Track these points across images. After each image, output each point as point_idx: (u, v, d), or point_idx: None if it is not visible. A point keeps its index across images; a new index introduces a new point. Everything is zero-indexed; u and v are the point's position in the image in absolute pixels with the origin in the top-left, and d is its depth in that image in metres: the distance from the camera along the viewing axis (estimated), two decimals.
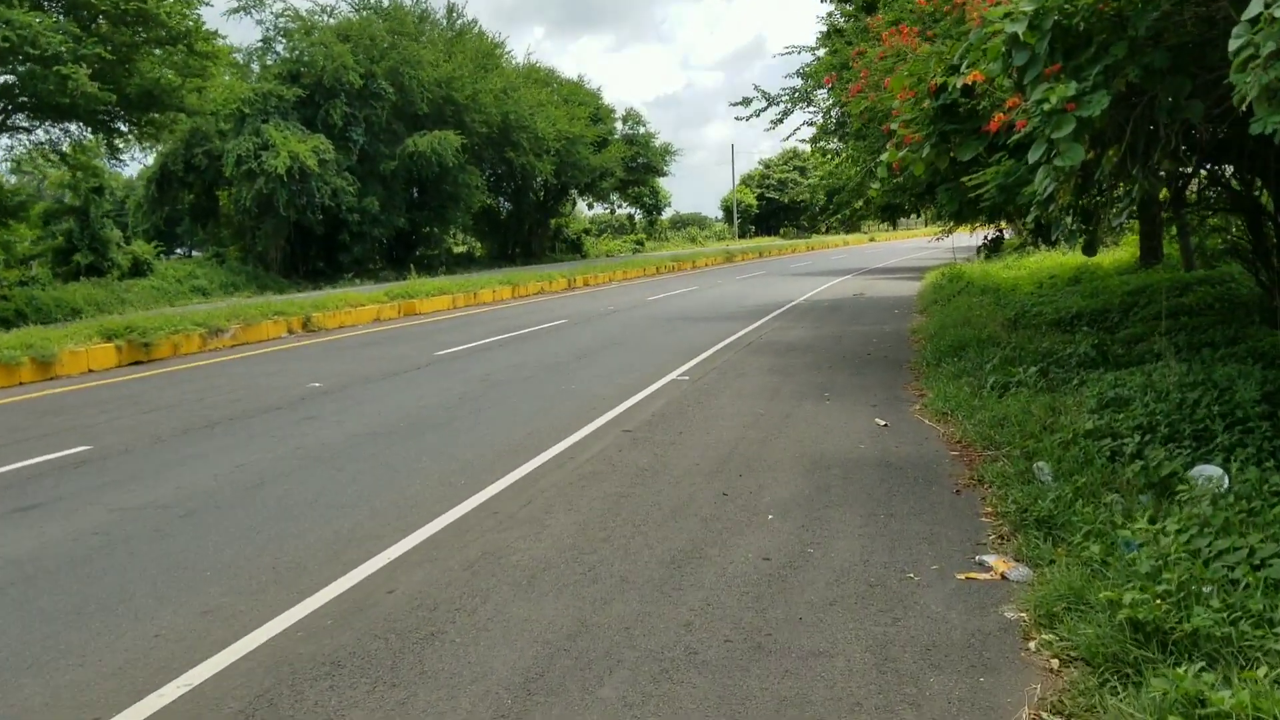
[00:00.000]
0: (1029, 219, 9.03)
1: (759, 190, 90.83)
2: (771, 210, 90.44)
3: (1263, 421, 7.06)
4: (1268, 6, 4.15)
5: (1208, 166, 12.04)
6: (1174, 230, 17.52)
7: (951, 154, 7.90)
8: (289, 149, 34.32)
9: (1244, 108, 5.02)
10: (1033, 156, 6.01)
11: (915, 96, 7.64)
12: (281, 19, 39.73)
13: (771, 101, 19.71)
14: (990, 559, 5.32)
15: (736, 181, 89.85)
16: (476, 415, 10.68)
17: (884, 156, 8.25)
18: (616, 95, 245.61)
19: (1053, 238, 8.19)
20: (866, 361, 13.52)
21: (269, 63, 39.37)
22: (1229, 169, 11.70)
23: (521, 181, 53.91)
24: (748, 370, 13.20)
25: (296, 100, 37.39)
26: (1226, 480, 6.19)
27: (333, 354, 17.37)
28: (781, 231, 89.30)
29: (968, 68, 6.74)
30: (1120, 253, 24.22)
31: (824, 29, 20.44)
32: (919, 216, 41.43)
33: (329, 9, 41.65)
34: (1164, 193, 7.14)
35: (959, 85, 6.95)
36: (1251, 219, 11.67)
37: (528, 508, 6.98)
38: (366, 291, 27.32)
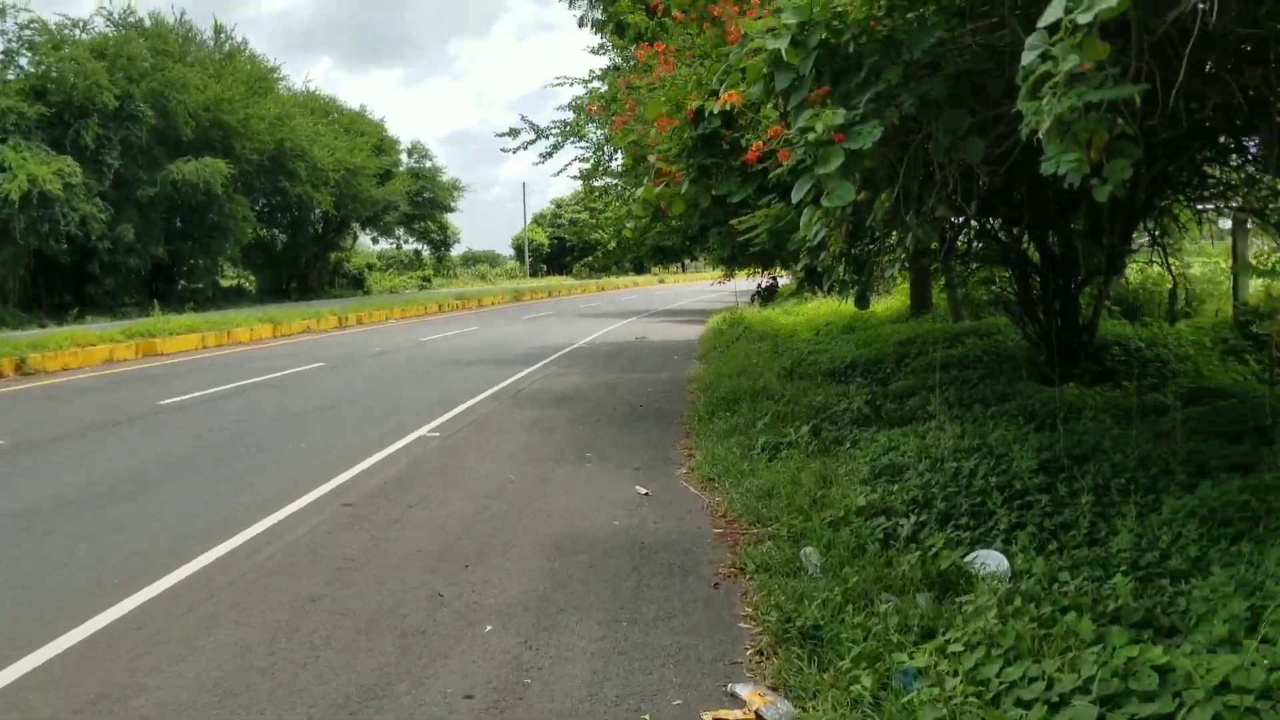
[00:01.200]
0: (798, 267, 8.28)
1: (551, 229, 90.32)
2: (564, 249, 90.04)
3: (1041, 495, 6.43)
4: (1069, 12, 3.33)
5: (979, 219, 11.86)
6: (943, 280, 17.67)
7: (713, 191, 7.01)
8: (27, 171, 30.55)
9: (1033, 141, 4.26)
10: (797, 195, 5.13)
11: (675, 126, 6.71)
12: (27, 31, 35.68)
13: (540, 134, 18.67)
14: (744, 690, 4.26)
15: (529, 220, 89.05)
16: (176, 483, 8.92)
17: (639, 192, 7.29)
18: (410, 130, 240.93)
19: (825, 287, 7.35)
20: (638, 415, 12.55)
21: (10, 77, 35.16)
22: (997, 220, 11.52)
23: (298, 213, 50.90)
24: (508, 425, 11.95)
25: (41, 119, 33.53)
26: (1010, 570, 5.45)
27: (36, 403, 14.88)
28: (574, 271, 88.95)
29: (726, 90, 5.84)
30: (893, 300, 24.66)
31: (605, 63, 19.69)
32: (695, 260, 41.54)
33: (81, 24, 37.83)
34: (933, 242, 6.51)
35: (717, 111, 6.05)
36: (1019, 271, 11.52)
37: (187, 618, 5.44)
38: (100, 329, 24.30)
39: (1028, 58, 3.73)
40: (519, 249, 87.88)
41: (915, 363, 13.69)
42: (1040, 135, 4.26)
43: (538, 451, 10.17)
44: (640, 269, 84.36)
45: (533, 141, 18.96)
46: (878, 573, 5.28)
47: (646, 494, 8.16)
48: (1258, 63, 4.87)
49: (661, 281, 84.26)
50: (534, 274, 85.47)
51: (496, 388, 15.40)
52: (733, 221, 8.20)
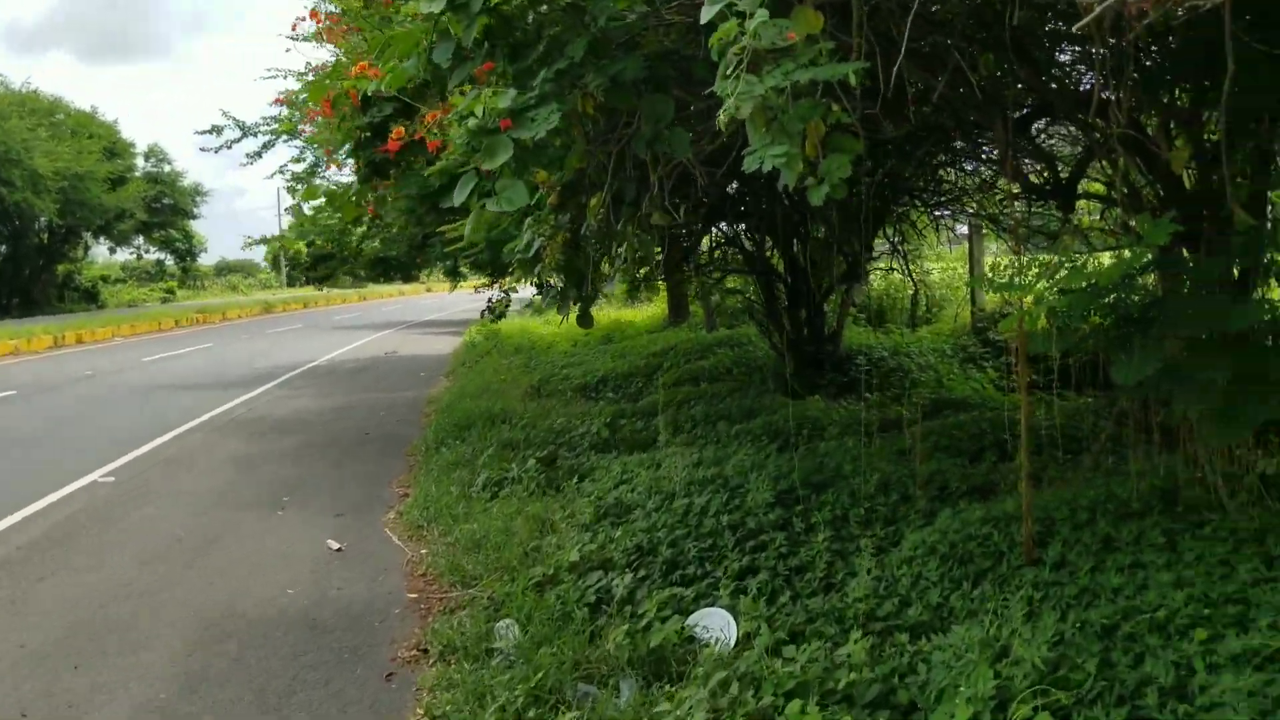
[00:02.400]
0: (509, 280, 7.34)
1: (310, 238, 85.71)
2: (326, 257, 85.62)
3: (777, 533, 5.74)
4: None
5: (725, 225, 11.32)
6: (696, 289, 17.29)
7: (394, 193, 5.94)
8: None
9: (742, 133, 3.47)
10: (459, 197, 4.14)
11: (345, 114, 5.57)
12: None
13: (247, 132, 16.69)
14: None
15: (284, 227, 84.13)
16: None
17: (299, 196, 6.08)
18: (156, 133, 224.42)
19: (544, 304, 6.41)
20: (362, 444, 11.22)
21: None
22: (741, 227, 11.04)
23: (19, 223, 45.62)
24: (205, 462, 10.34)
25: None
26: (735, 634, 4.66)
27: None
28: (335, 280, 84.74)
29: (384, 67, 4.78)
30: (655, 308, 24.31)
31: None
32: (419, 272, 39.92)
33: None
34: (651, 252, 5.72)
35: (370, 94, 4.99)
36: (763, 280, 11.07)
37: None
38: None
39: (708, 13, 2.89)
40: (274, 258, 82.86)
41: (667, 376, 13.08)
42: (746, 123, 3.48)
43: (228, 496, 8.69)
44: (408, 278, 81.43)
45: (238, 140, 16.94)
46: (578, 653, 4.36)
47: (340, 549, 6.94)
48: (990, 47, 4.27)
49: (429, 290, 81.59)
50: (292, 284, 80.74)
51: (207, 416, 13.58)
52: (440, 229, 7.13)
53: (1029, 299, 3.87)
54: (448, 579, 5.96)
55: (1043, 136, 5.37)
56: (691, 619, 4.80)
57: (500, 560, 5.84)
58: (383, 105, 5.14)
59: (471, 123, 3.86)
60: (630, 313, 24.42)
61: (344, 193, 5.82)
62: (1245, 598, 4.08)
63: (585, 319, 6.64)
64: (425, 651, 4.93)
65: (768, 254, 10.84)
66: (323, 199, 6.16)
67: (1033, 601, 4.52)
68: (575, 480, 7.58)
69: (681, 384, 12.32)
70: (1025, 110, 4.90)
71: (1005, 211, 6.16)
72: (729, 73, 3.37)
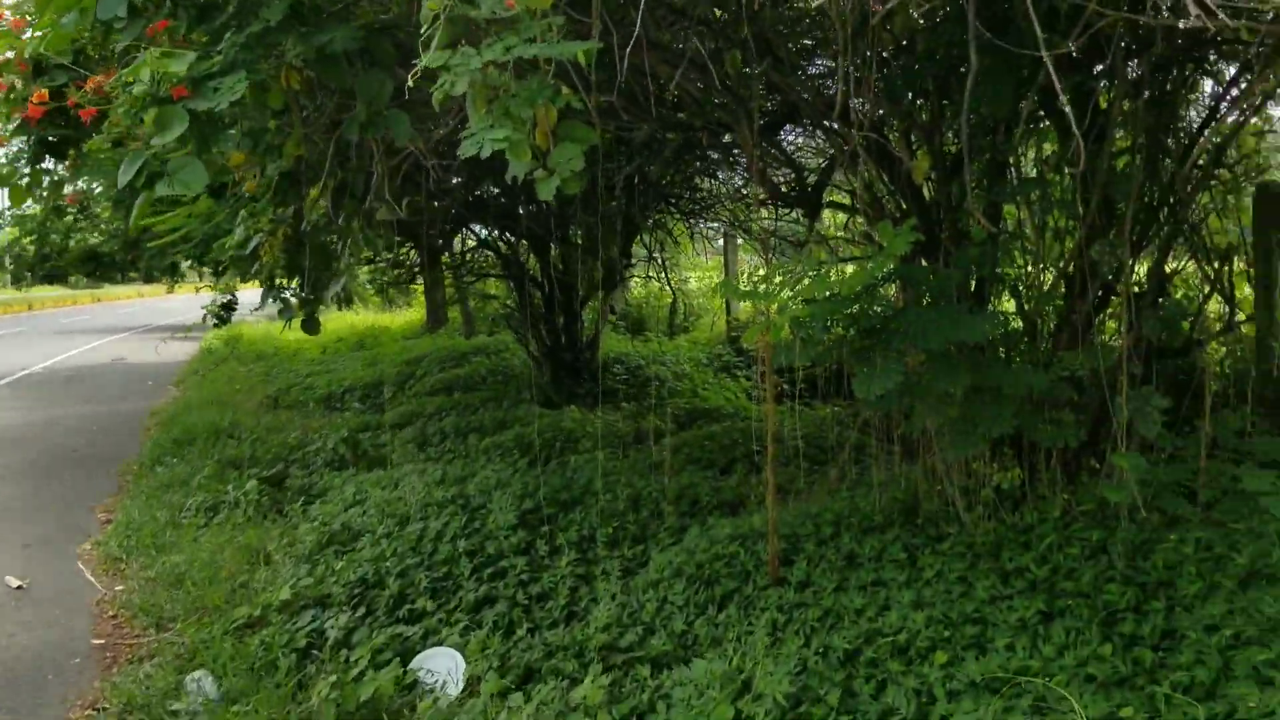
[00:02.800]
0: (222, 281, 6.55)
1: (39, 234, 77.83)
2: (47, 256, 77.84)
3: (518, 558, 5.31)
4: None
5: (481, 227, 10.82)
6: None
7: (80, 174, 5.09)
8: None
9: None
10: (124, 177, 3.45)
11: (14, 84, 4.67)
12: None
13: None
14: None
15: (8, 219, 75.88)
16: None
17: None
18: None
19: (260, 307, 5.70)
20: (67, 464, 9.88)
21: None
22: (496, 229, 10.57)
23: None
24: None
25: None
26: (461, 676, 4.19)
27: None
28: (70, 280, 77.36)
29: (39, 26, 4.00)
30: (415, 313, 23.38)
31: None
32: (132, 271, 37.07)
33: None
34: (371, 252, 5.15)
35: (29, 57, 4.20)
36: (519, 285, 10.65)
37: None
38: None
39: None
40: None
41: (419, 385, 12.42)
42: (466, 104, 3.05)
43: None
44: (150, 278, 75.38)
45: None
46: (278, 710, 3.75)
47: (20, 586, 5.93)
48: (737, 44, 4.03)
49: (170, 292, 75.80)
50: (17, 282, 72.88)
51: None
52: (145, 221, 6.23)
53: (773, 308, 3.64)
54: (141, 621, 5.15)
55: (790, 143, 5.29)
56: (415, 662, 4.29)
57: (203, 599, 5.09)
58: (55, 73, 4.32)
59: (138, 89, 3.21)
60: (387, 318, 23.39)
61: (10, 173, 4.90)
62: (983, 617, 4.02)
63: (310, 324, 5.97)
64: (101, 711, 4.15)
65: (523, 258, 10.42)
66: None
67: (777, 626, 4.33)
68: (302, 503, 6.86)
69: (435, 393, 11.71)
70: (772, 112, 4.73)
71: (754, 218, 6.10)
72: (442, 45, 2.94)
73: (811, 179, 5.16)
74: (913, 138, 4.69)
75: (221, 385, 13.84)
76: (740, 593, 4.71)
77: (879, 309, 3.87)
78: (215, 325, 8.14)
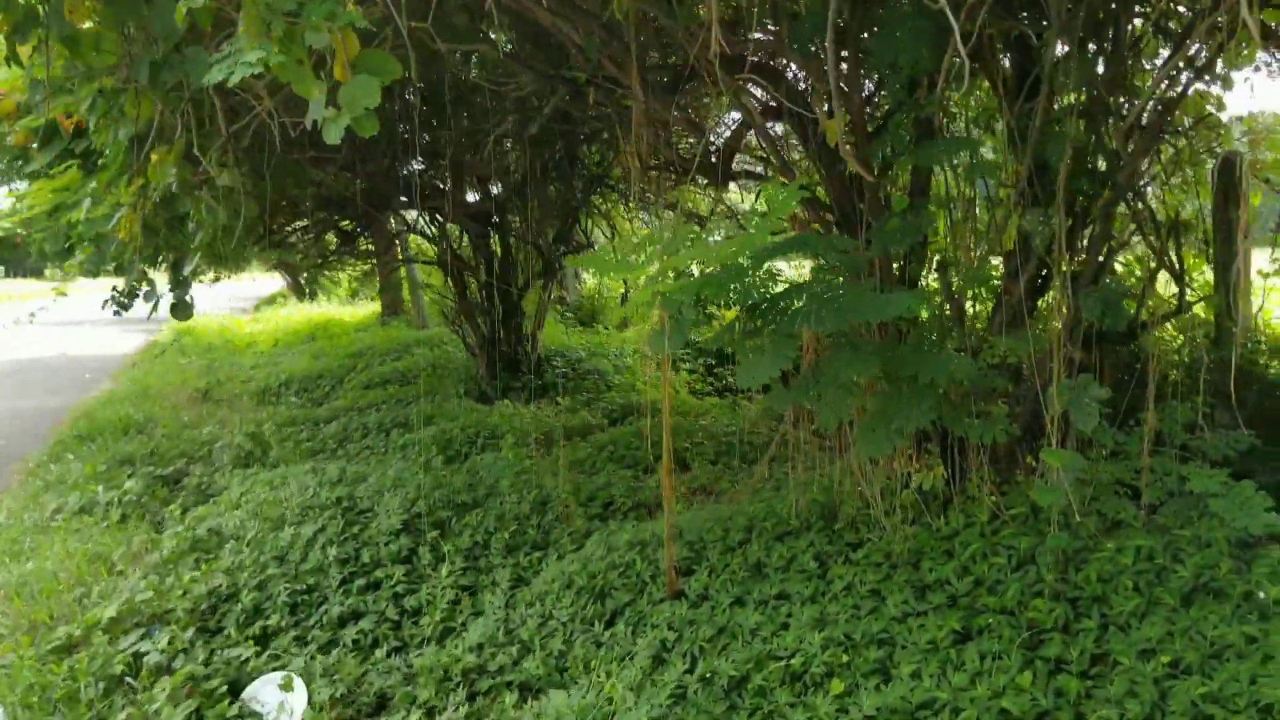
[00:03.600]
0: (73, 264, 5.98)
1: None
2: None
3: (398, 566, 4.78)
4: None
5: (418, 210, 10.24)
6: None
7: None
8: None
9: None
10: None
11: None
12: None
13: None
14: None
15: None
16: None
17: None
18: None
19: (108, 300, 5.14)
20: None
21: None
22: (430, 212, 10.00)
23: None
24: None
25: None
26: (300, 708, 3.66)
27: None
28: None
29: None
30: (377, 305, 22.73)
31: None
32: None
33: None
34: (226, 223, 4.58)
35: None
36: (454, 273, 10.08)
37: None
38: None
39: None
40: None
41: (360, 377, 11.85)
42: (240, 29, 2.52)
43: None
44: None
45: None
46: None
47: None
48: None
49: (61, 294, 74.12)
50: None
51: None
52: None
53: (640, 282, 3.12)
54: None
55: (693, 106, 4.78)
56: (247, 691, 3.75)
57: (32, 615, 4.53)
58: None
59: None
60: (350, 310, 22.74)
61: None
62: (891, 637, 3.51)
63: (182, 309, 5.42)
64: None
65: (456, 245, 9.86)
66: None
67: (666, 646, 3.81)
68: (185, 505, 6.31)
69: (372, 387, 11.16)
70: (670, 69, 4.21)
71: (653, 189, 5.60)
72: None
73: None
74: (829, 96, 4.16)
75: (155, 379, 13.21)
76: (633, 607, 4.19)
77: (777, 286, 3.34)
78: (116, 313, 7.53)
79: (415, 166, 8.41)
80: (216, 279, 18.04)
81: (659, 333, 3.29)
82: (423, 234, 10.01)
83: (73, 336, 24.22)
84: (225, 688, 3.73)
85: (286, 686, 3.70)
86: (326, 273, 23.83)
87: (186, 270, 5.07)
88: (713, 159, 4.35)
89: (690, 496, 5.92)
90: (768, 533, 4.54)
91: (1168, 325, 6.11)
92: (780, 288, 3.53)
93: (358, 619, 4.40)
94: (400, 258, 11.76)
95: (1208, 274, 5.58)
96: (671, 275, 3.05)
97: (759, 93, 4.52)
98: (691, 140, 4.31)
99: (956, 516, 4.10)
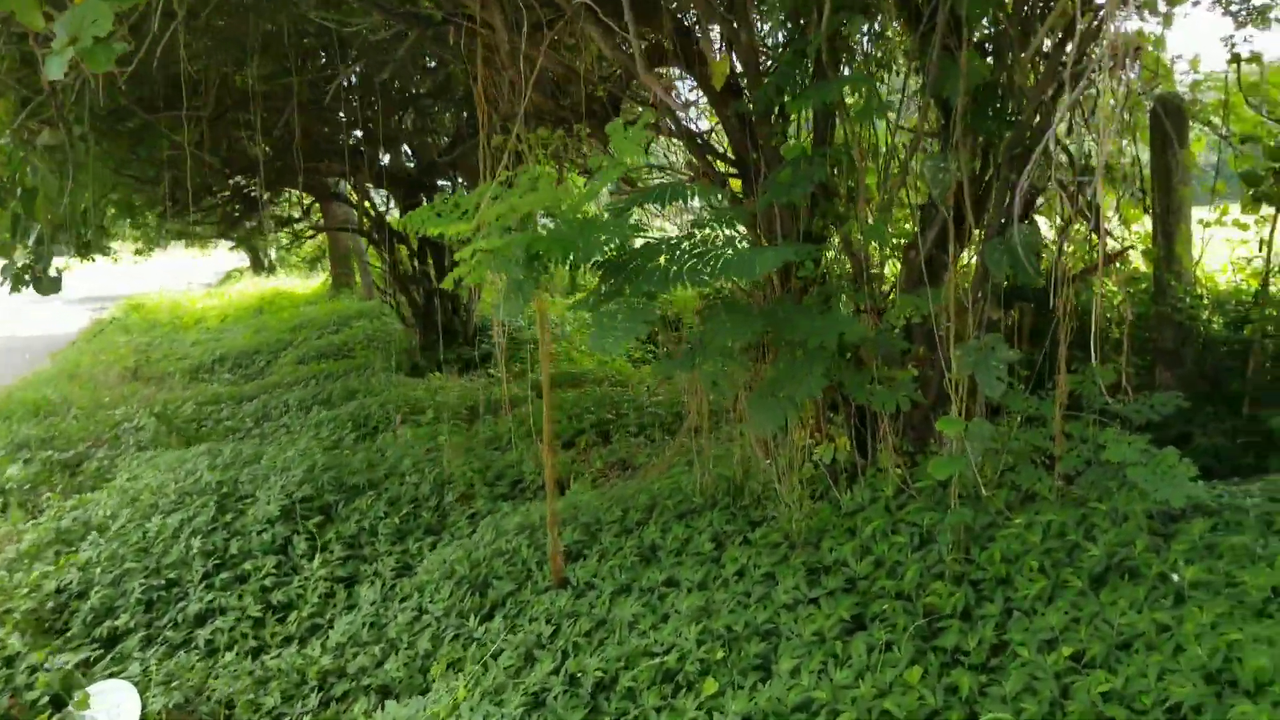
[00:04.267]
0: None
1: None
2: None
3: (269, 558, 4.43)
4: None
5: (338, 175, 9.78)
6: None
7: None
8: None
9: None
10: None
11: None
12: None
13: None
14: None
15: None
16: None
17: None
18: None
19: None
20: None
21: None
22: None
23: None
24: None
25: None
26: (135, 712, 3.30)
27: None
28: None
29: None
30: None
31: None
32: None
33: None
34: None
35: None
36: (384, 242, 9.66)
37: None
38: None
39: None
40: None
41: (296, 352, 11.46)
42: None
43: None
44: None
45: None
46: None
47: None
48: None
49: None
50: None
51: None
52: None
53: (468, 233, 2.74)
54: None
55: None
56: (76, 701, 3.38)
57: None
58: None
59: None
60: (306, 284, 22.21)
61: None
62: (776, 628, 3.18)
63: (44, 284, 5.00)
64: None
65: (384, 210, 9.43)
66: None
67: (541, 641, 3.47)
68: (73, 491, 5.92)
69: (306, 361, 10.79)
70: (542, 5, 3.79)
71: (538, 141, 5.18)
72: None
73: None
74: (715, 33, 3.78)
75: (89, 358, 12.76)
76: (515, 598, 3.84)
77: (638, 244, 2.97)
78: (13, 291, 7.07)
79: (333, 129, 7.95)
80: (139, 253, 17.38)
81: (508, 297, 2.92)
82: (345, 200, 9.56)
83: (29, 315, 23.60)
84: (48, 700, 3.37)
85: (120, 693, 3.35)
86: (286, 247, 23.32)
87: (31, 240, 4.65)
88: (594, 106, 3.96)
89: (607, 471, 5.58)
90: (669, 512, 4.20)
91: (1107, 280, 5.79)
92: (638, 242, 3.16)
93: (221, 615, 4.04)
94: (315, 225, 11.28)
95: (1150, 225, 5.25)
96: (500, 229, 2.67)
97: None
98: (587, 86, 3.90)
99: (863, 491, 3.76)
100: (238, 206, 8.44)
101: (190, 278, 28.17)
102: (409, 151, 9.29)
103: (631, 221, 2.92)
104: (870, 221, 3.60)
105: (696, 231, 3.20)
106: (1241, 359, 4.70)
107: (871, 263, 3.91)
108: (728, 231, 3.19)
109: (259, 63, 4.64)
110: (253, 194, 8.14)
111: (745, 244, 3.56)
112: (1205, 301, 4.99)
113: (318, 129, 7.44)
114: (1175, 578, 2.83)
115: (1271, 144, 4.63)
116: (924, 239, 3.82)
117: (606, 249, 2.75)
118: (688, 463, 5.10)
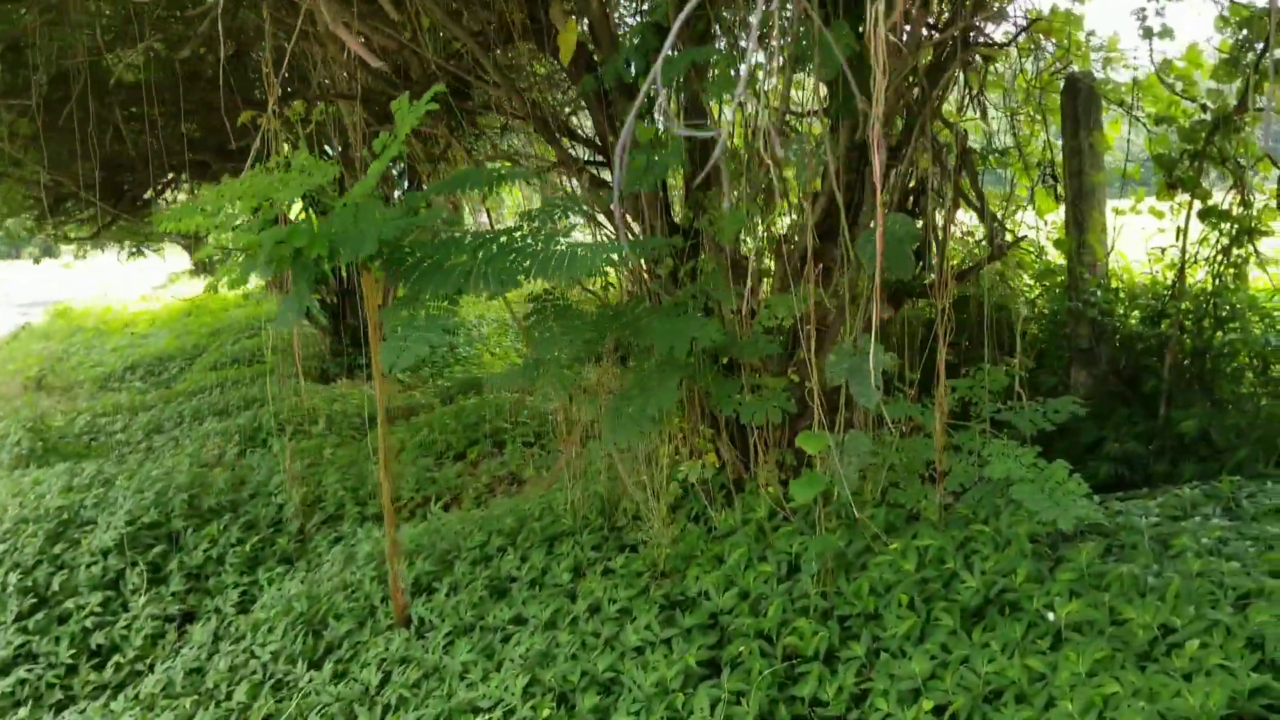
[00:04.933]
0: None
1: None
2: None
3: (95, 594, 4.01)
4: None
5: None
6: None
7: None
8: None
9: None
10: None
11: None
12: None
13: None
14: None
15: None
16: None
17: None
18: None
19: None
20: None
21: None
22: None
23: None
24: None
25: None
26: None
27: None
28: None
29: None
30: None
31: None
32: None
33: None
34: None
35: None
36: None
37: None
38: None
39: None
40: None
41: (210, 357, 10.95)
42: None
43: None
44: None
45: None
46: None
47: None
48: None
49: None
50: None
51: None
52: None
53: (207, 228, 2.34)
54: None
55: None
56: None
57: None
58: None
59: None
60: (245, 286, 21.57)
61: None
62: (617, 677, 2.81)
63: None
64: None
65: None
66: None
67: (366, 694, 3.07)
68: None
69: (220, 367, 10.29)
70: None
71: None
72: None
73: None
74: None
75: None
76: (352, 639, 3.44)
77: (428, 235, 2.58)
78: None
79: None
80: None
81: (290, 302, 2.52)
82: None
83: None
84: None
85: None
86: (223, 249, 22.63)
87: None
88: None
89: (492, 487, 5.19)
90: (536, 536, 3.82)
91: (1022, 274, 5.47)
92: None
93: (30, 661, 3.61)
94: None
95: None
96: (262, 222, 2.27)
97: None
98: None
99: (734, 514, 3.39)
100: (114, 205, 7.93)
101: (152, 281, 27.42)
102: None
103: (423, 212, 2.53)
104: (722, 212, 3.22)
105: (525, 225, 2.82)
106: (1160, 356, 4.38)
107: (749, 259, 3.54)
108: (567, 223, 2.80)
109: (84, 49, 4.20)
110: (130, 191, 7.64)
111: (605, 238, 3.18)
112: (1121, 295, 4.67)
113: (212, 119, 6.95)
114: (1051, 616, 2.48)
115: (1186, 125, 4.31)
116: (802, 231, 3.47)
117: (379, 243, 2.36)
118: (574, 476, 4.73)
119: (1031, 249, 5.16)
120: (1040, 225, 5.11)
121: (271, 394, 7.82)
